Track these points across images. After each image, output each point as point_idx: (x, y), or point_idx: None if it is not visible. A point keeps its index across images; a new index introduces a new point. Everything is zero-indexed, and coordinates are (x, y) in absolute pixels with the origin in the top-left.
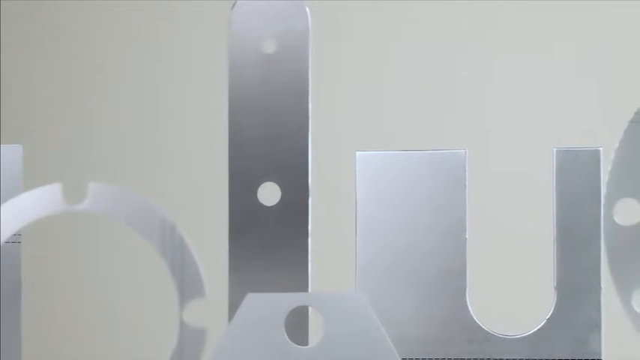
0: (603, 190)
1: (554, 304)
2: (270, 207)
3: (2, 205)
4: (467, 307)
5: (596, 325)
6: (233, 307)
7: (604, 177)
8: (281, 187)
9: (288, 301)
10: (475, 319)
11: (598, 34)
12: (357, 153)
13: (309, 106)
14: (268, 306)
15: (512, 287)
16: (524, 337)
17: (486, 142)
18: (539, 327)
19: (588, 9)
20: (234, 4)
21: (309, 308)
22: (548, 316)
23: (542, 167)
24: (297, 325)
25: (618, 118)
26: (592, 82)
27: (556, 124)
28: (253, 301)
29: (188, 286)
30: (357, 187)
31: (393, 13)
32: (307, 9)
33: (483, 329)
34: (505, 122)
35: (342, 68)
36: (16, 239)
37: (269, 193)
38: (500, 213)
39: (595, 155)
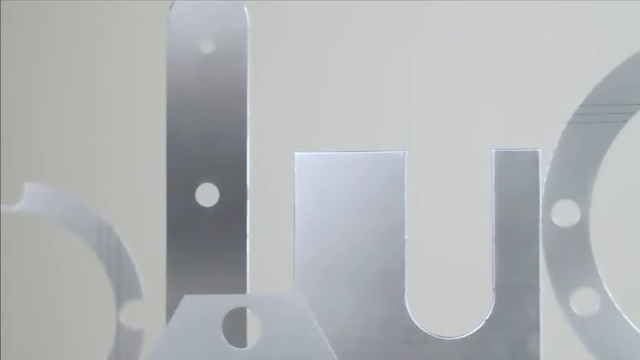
0: (542, 192)
1: (492, 305)
2: (208, 208)
3: None
4: (405, 308)
5: (535, 327)
6: (171, 308)
7: (543, 178)
8: (219, 188)
9: (226, 302)
10: (413, 320)
11: (534, 34)
12: (296, 154)
13: (248, 106)
14: (206, 307)
15: (451, 289)
16: (463, 339)
17: (426, 143)
18: (477, 328)
19: (521, 7)
20: (172, 4)
21: (248, 310)
22: (486, 318)
23: (482, 168)
24: (234, 326)
25: (557, 119)
26: (531, 83)
27: (496, 125)
28: (190, 302)
29: (125, 287)
30: (295, 188)
31: (331, 13)
32: (246, 9)
33: (421, 331)
34: (445, 123)
35: (281, 68)
36: None
37: (207, 194)
38: (440, 214)
39: (534, 156)
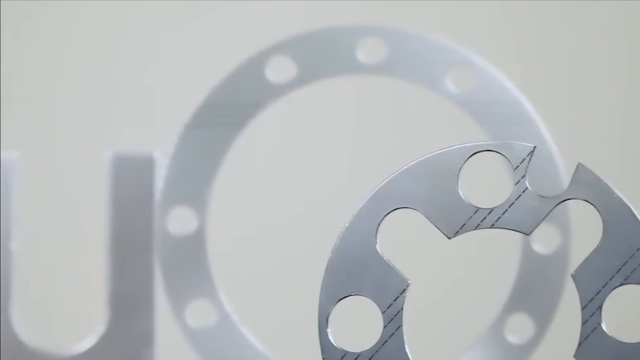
0: (157, 197)
1: (106, 318)
2: None
3: None
4: (10, 322)
5: (149, 340)
6: None
7: (160, 183)
8: None
9: None
10: (18, 335)
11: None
12: None
13: None
14: None
15: (64, 301)
16: (75, 356)
17: (43, 145)
18: (91, 344)
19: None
20: None
21: None
22: (100, 332)
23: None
24: None
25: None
26: (157, 84)
27: (115, 128)
28: None
29: None
30: None
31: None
32: None
33: (26, 345)
34: (63, 125)
35: None
36: None
37: None
38: (51, 221)
39: (149, 160)
